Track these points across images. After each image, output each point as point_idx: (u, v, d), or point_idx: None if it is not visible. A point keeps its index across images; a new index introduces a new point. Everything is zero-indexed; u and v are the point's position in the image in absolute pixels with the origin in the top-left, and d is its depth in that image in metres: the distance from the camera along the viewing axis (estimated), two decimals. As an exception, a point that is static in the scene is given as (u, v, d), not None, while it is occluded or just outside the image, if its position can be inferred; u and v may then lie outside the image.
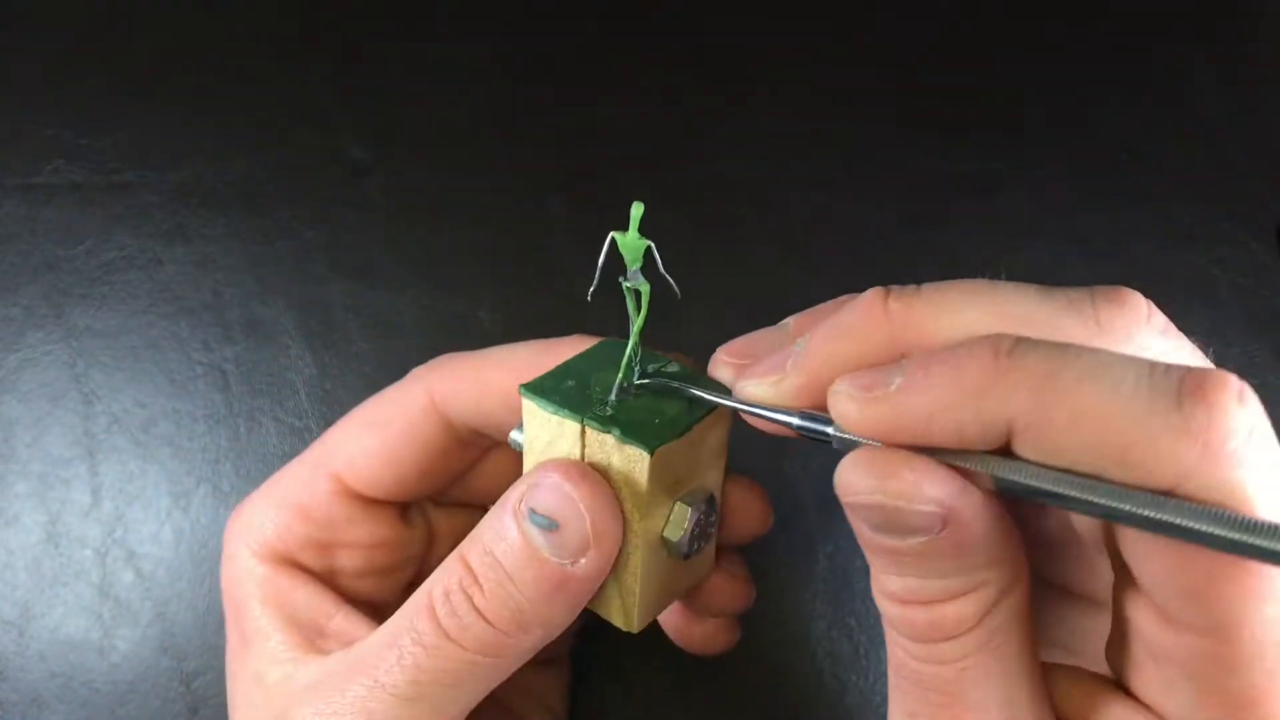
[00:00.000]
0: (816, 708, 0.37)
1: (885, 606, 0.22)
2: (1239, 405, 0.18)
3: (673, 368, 0.26)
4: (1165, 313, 0.22)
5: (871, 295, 0.23)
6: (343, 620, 0.29)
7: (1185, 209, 0.43)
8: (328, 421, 0.40)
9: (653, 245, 0.24)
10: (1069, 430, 0.19)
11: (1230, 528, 0.17)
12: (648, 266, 0.25)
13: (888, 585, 0.21)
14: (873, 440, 0.21)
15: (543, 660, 0.33)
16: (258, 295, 0.41)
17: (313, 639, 0.29)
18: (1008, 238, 0.43)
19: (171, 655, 0.37)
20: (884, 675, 0.37)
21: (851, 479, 0.21)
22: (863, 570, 0.38)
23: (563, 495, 0.24)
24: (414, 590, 0.29)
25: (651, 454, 0.24)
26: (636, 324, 0.25)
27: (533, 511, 0.24)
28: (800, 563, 0.38)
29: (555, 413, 0.25)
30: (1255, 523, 0.17)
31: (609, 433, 0.24)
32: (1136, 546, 0.20)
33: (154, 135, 0.44)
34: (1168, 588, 0.19)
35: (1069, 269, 0.42)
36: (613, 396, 0.25)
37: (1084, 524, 0.23)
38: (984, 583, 0.21)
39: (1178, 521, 0.18)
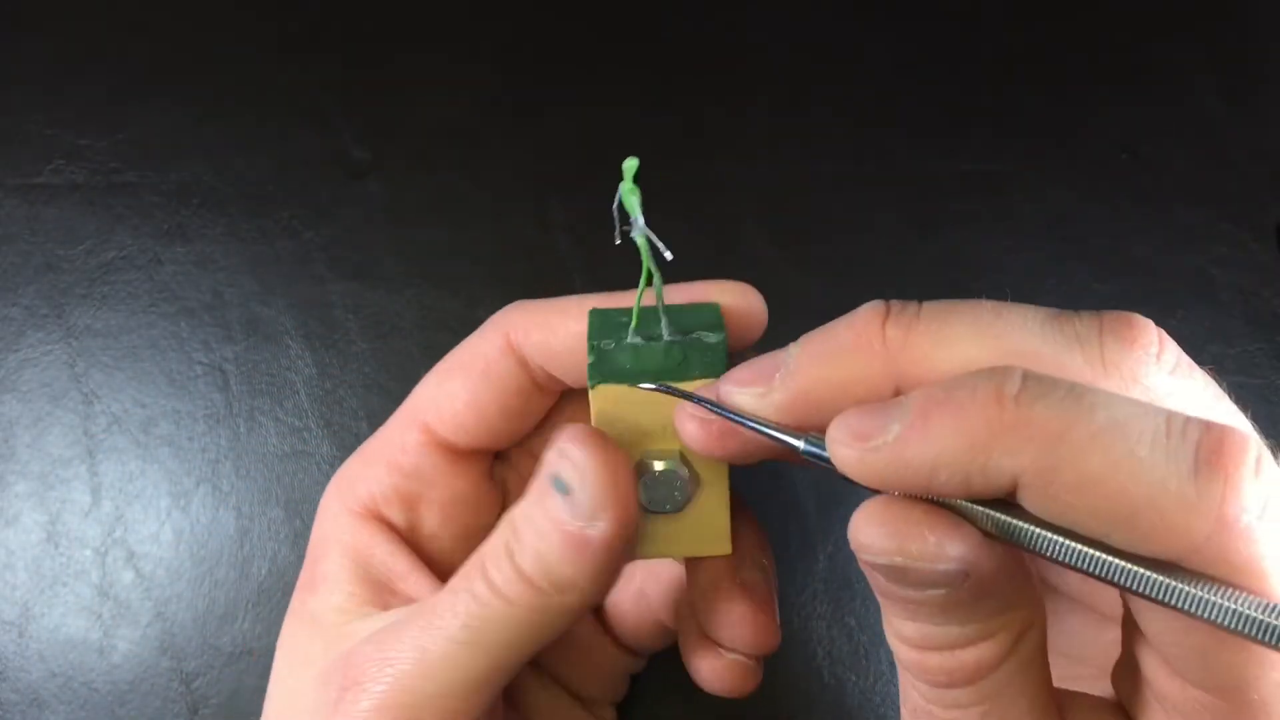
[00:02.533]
0: (816, 708, 0.37)
1: (900, 651, 0.21)
2: (1255, 477, 0.17)
3: (710, 338, 0.26)
4: (1167, 312, 0.21)
5: (868, 315, 0.22)
6: (414, 582, 0.29)
7: (1185, 209, 0.43)
8: (328, 422, 0.40)
9: (635, 202, 0.25)
10: (1077, 492, 0.18)
11: (1236, 609, 0.17)
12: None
13: (903, 630, 0.21)
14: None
15: (585, 698, 0.33)
16: (258, 295, 0.41)
17: (382, 595, 0.29)
18: (1008, 238, 0.43)
19: (171, 655, 0.37)
20: (884, 675, 0.37)
21: (868, 540, 0.20)
22: (863, 571, 0.38)
23: (570, 462, 0.24)
24: None
25: (592, 387, 0.25)
26: (642, 277, 0.26)
27: (555, 477, 0.25)
28: (800, 563, 0.38)
29: (588, 336, 0.26)
30: (1264, 604, 0.17)
31: (590, 359, 0.26)
32: (1143, 606, 0.19)
33: (154, 135, 0.44)
34: (1174, 647, 0.19)
35: (1069, 269, 0.42)
36: (628, 338, 0.26)
37: None
38: (1003, 626, 0.20)
39: (1182, 601, 0.17)
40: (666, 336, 0.26)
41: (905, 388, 0.21)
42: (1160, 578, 0.17)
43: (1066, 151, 0.44)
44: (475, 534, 0.31)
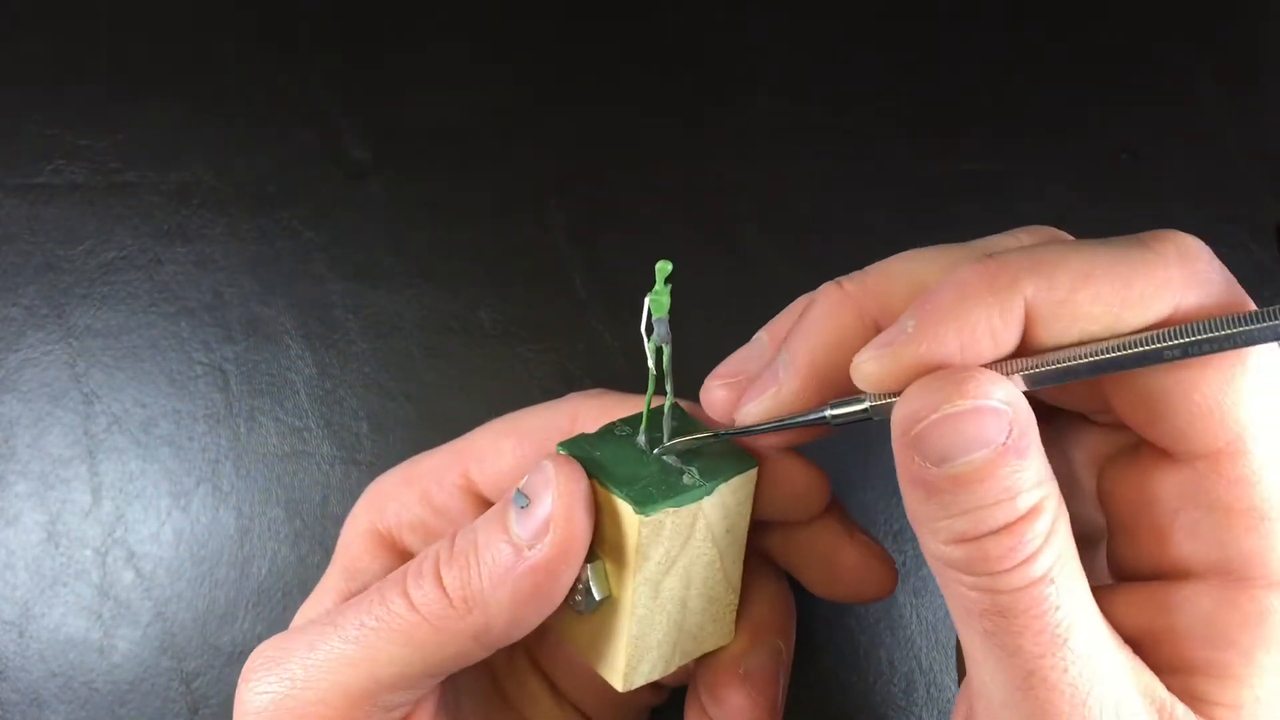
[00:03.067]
0: (817, 708, 0.37)
1: (952, 553, 0.21)
2: (1193, 239, 0.22)
3: (692, 484, 0.26)
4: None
5: (824, 286, 0.25)
6: None
7: (1185, 209, 0.43)
8: (328, 422, 0.40)
9: (649, 304, 0.25)
10: (1078, 288, 0.21)
11: (1242, 323, 0.21)
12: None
13: (955, 527, 0.21)
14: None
15: None
16: (258, 295, 0.41)
17: None
18: (1008, 238, 0.43)
19: (171, 655, 0.37)
20: (883, 675, 0.37)
21: (917, 404, 0.21)
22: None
23: (544, 475, 0.25)
24: None
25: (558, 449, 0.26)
26: (650, 383, 0.26)
27: (519, 491, 0.25)
28: (800, 563, 0.38)
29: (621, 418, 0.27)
30: (1257, 313, 0.21)
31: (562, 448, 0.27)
32: (1146, 393, 0.22)
33: (154, 135, 0.44)
34: (1182, 414, 0.22)
35: (1069, 269, 0.42)
36: (636, 435, 0.27)
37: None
38: (1047, 495, 0.21)
39: (1205, 336, 0.21)
40: (661, 454, 0.26)
41: (883, 323, 0.24)
42: (1172, 330, 0.21)
43: (1066, 151, 0.44)
44: None
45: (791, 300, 0.27)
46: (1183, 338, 0.21)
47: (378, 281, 0.42)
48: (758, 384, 0.25)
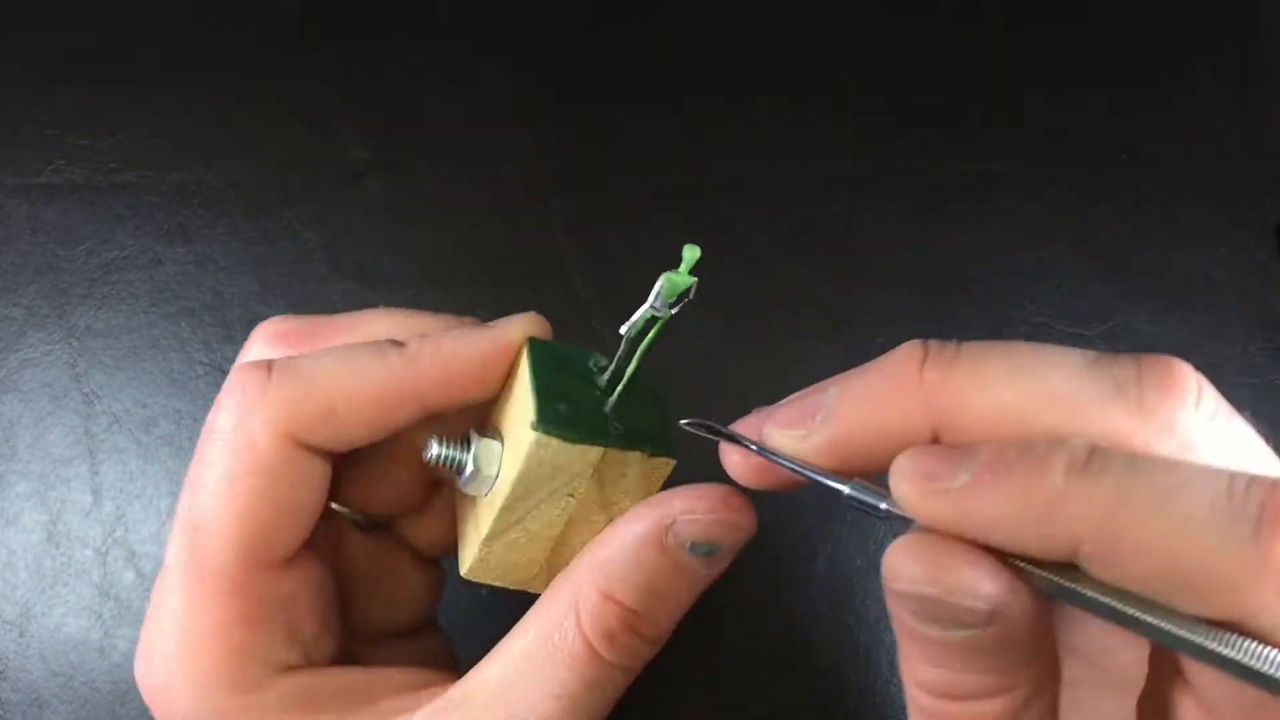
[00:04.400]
0: (817, 708, 0.37)
1: (918, 696, 0.21)
2: None
3: (602, 362, 0.27)
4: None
5: (905, 356, 0.22)
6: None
7: (1185, 209, 0.43)
8: (328, 421, 0.40)
9: (684, 288, 0.24)
10: (1137, 557, 0.18)
11: None
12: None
13: (919, 673, 0.21)
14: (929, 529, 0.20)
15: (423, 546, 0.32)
16: (258, 295, 0.41)
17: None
18: (1008, 238, 0.43)
19: (172, 655, 0.37)
20: (883, 675, 0.37)
21: (903, 567, 0.20)
22: (863, 570, 0.38)
23: (726, 526, 0.25)
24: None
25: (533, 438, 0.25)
26: (642, 347, 0.25)
27: (693, 544, 0.25)
28: (800, 563, 0.38)
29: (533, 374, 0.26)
30: None
31: (555, 407, 0.26)
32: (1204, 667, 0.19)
33: (154, 135, 0.44)
34: (1226, 705, 0.19)
35: (1069, 269, 0.42)
36: (608, 408, 0.26)
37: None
38: (1019, 682, 0.20)
39: (1246, 663, 0.17)
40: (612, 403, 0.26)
41: (944, 431, 0.22)
42: (1223, 638, 0.17)
43: (1066, 151, 0.44)
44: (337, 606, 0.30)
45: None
46: (1255, 664, 0.17)
47: (378, 281, 0.42)
48: (790, 412, 0.23)
